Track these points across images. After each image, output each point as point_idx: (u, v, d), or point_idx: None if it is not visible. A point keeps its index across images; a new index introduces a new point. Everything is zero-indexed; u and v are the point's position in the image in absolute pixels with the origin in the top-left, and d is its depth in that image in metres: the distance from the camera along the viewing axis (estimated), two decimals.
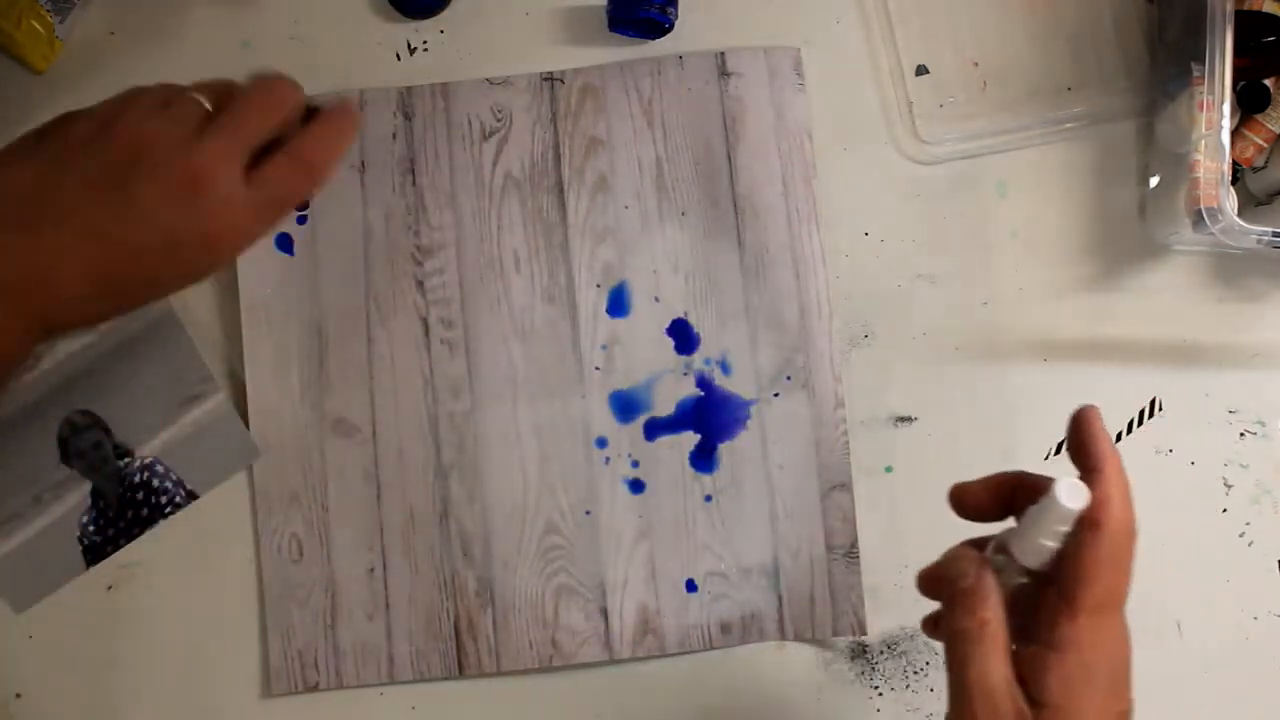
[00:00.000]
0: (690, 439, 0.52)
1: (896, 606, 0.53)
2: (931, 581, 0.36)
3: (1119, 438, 0.55)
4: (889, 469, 0.54)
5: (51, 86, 0.56)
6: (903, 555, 0.52)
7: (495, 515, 0.51)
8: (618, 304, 0.52)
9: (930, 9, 0.57)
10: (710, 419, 0.52)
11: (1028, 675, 0.32)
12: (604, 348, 0.52)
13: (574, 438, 0.51)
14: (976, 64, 0.57)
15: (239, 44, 0.56)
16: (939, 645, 0.53)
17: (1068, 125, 0.56)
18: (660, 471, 0.51)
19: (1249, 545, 0.54)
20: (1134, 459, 0.55)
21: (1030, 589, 0.34)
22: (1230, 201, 0.49)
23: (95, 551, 0.52)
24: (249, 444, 0.52)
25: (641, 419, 0.52)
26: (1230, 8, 0.49)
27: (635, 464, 0.51)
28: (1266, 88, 0.53)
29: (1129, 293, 0.56)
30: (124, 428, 0.52)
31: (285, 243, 0.52)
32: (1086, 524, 0.32)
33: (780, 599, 0.51)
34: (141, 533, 0.52)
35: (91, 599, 0.52)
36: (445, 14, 0.57)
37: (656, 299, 0.52)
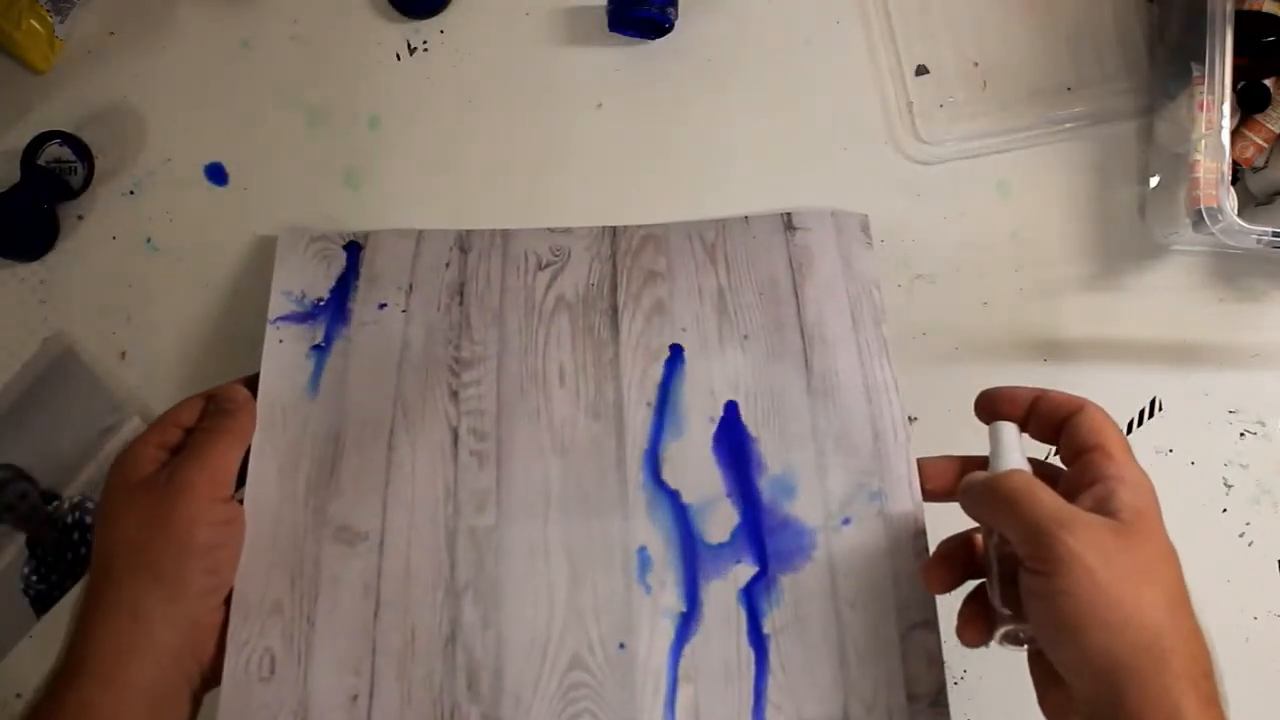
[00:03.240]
0: (746, 570, 0.45)
1: None
2: (967, 498, 0.40)
3: None
4: None
5: (51, 86, 0.56)
6: None
7: (512, 644, 0.44)
8: (671, 422, 0.48)
9: (930, 9, 0.57)
10: (770, 548, 0.45)
11: (1097, 505, 0.36)
12: (651, 467, 0.47)
13: (611, 561, 0.45)
14: (976, 64, 0.57)
15: (239, 44, 0.56)
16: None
17: (1068, 125, 0.56)
18: (710, 604, 0.44)
19: (1249, 545, 0.54)
20: None
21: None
22: (1230, 201, 0.49)
23: (43, 600, 0.51)
24: None
25: (691, 545, 0.45)
26: (1230, 8, 0.49)
27: (682, 595, 0.45)
28: (1266, 88, 0.53)
29: (1129, 293, 0.56)
30: (47, 472, 0.52)
31: (320, 353, 0.49)
32: (1076, 411, 0.40)
33: None
34: (85, 572, 0.51)
35: None
36: (445, 14, 0.57)
37: (712, 419, 0.48)
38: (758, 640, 0.44)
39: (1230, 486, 0.55)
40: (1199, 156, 0.50)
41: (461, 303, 0.50)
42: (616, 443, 0.47)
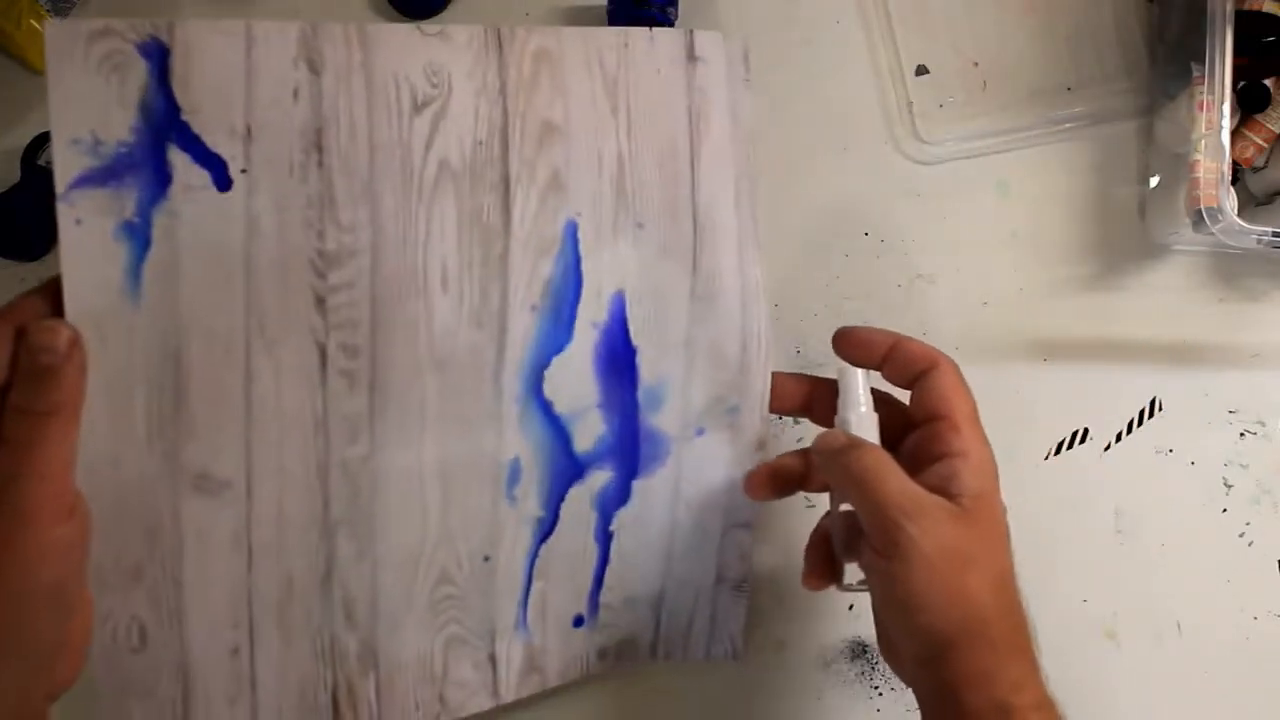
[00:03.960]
0: (603, 476, 0.46)
1: None
2: (820, 457, 0.41)
3: (1119, 438, 0.55)
4: None
5: None
6: None
7: (385, 571, 0.43)
8: (555, 330, 0.44)
9: (930, 9, 0.57)
10: (630, 457, 0.46)
11: (941, 484, 0.38)
12: (531, 379, 0.44)
13: (482, 480, 0.44)
14: (976, 64, 0.57)
15: None
16: None
17: (1068, 125, 0.56)
18: (567, 509, 0.46)
19: (1249, 545, 0.54)
20: (1134, 459, 0.55)
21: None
22: (1230, 201, 0.49)
23: None
24: None
25: (559, 455, 0.45)
26: (1230, 8, 0.49)
27: (543, 503, 0.45)
28: (1266, 88, 0.53)
29: (1129, 293, 0.56)
30: None
31: (136, 234, 0.37)
32: (930, 368, 0.41)
33: (658, 624, 0.49)
34: None
35: None
36: (445, 14, 0.57)
37: (595, 325, 0.44)
38: (603, 537, 0.47)
39: (1230, 486, 0.55)
40: (1199, 156, 0.50)
41: (321, 163, 0.39)
42: (496, 354, 0.43)
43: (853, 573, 0.42)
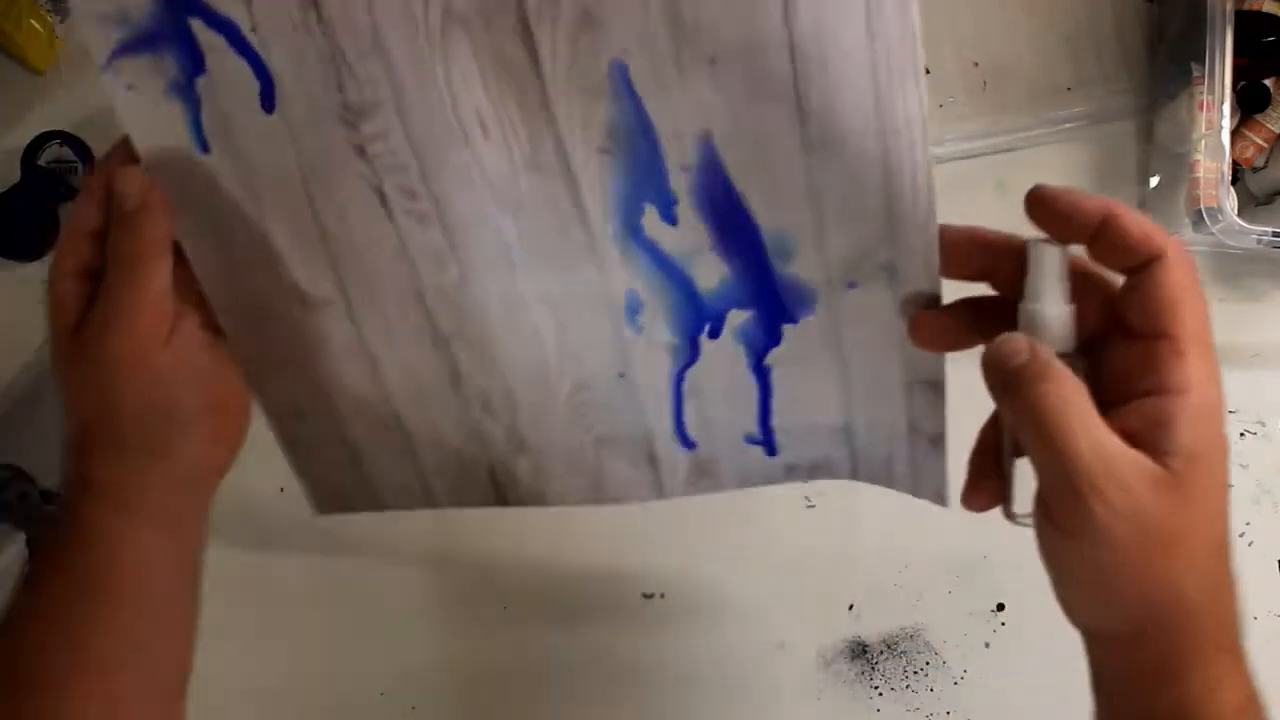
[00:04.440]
0: (741, 315, 0.40)
1: (896, 606, 0.53)
2: (991, 374, 0.31)
3: None
4: None
5: (51, 86, 0.56)
6: (904, 554, 0.52)
7: (516, 377, 0.42)
8: (636, 173, 0.38)
9: (930, 9, 0.57)
10: (769, 300, 0.40)
11: (1147, 433, 0.29)
12: (624, 222, 0.39)
13: (595, 308, 0.41)
14: (976, 64, 0.57)
15: None
16: (940, 645, 0.53)
17: (1068, 125, 0.56)
18: (705, 342, 0.41)
19: (1249, 545, 0.54)
20: None
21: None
22: (1230, 201, 0.49)
23: None
24: None
25: (681, 292, 0.40)
26: (1230, 8, 0.49)
27: (675, 331, 0.41)
28: (1266, 88, 0.53)
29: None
30: (46, 472, 0.52)
31: (185, 94, 0.38)
32: (1151, 257, 0.30)
33: (854, 452, 0.43)
34: None
35: None
36: None
37: (684, 168, 0.37)
38: (759, 368, 0.41)
39: (1230, 486, 0.55)
40: (1199, 156, 0.50)
41: (321, 18, 0.37)
42: (571, 200, 0.39)
43: (1023, 498, 0.33)
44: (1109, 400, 0.30)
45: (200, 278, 0.40)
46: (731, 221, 0.38)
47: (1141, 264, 0.30)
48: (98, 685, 0.35)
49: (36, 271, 0.54)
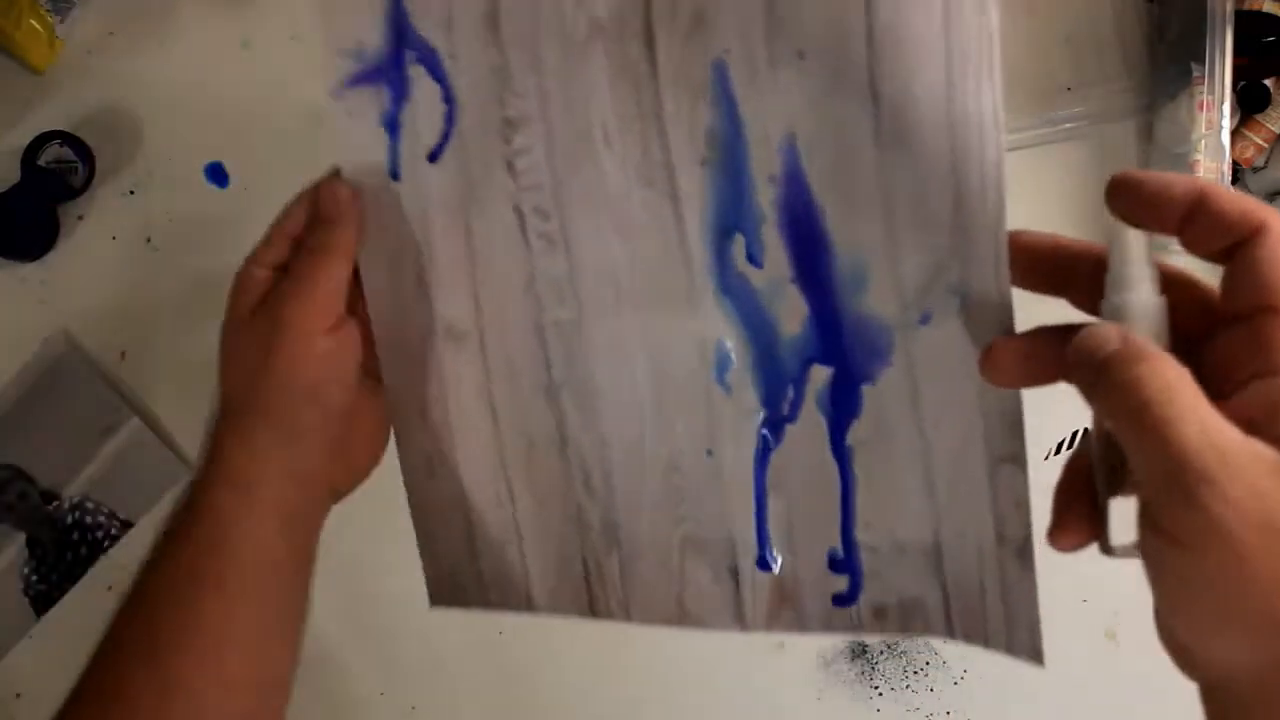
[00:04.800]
0: (822, 373, 0.40)
1: None
2: (1080, 366, 0.28)
3: None
4: None
5: (51, 86, 0.56)
6: None
7: (613, 446, 0.43)
8: (730, 188, 0.39)
9: None
10: (846, 348, 0.39)
11: (1263, 417, 0.25)
12: (718, 246, 0.40)
13: (689, 358, 0.41)
14: None
15: (239, 44, 0.56)
16: (940, 645, 0.53)
17: (1068, 125, 0.56)
18: (789, 407, 0.40)
19: None
20: None
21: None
22: None
23: (43, 600, 0.52)
24: (173, 462, 0.53)
25: (767, 339, 0.40)
26: (1230, 8, 0.49)
27: (761, 397, 0.41)
28: (1266, 88, 0.53)
29: None
30: (46, 472, 0.52)
31: (392, 124, 0.43)
32: (1255, 233, 0.27)
33: (945, 587, 0.40)
34: (84, 572, 0.52)
35: (92, 599, 0.52)
36: None
37: (772, 179, 0.38)
38: (841, 451, 0.40)
39: None
40: (1199, 156, 0.50)
41: (498, 38, 0.42)
42: (674, 216, 0.40)
43: (1123, 526, 0.29)
44: (1210, 396, 0.25)
45: (369, 304, 0.43)
46: (811, 241, 0.39)
47: (1238, 242, 0.27)
48: (212, 666, 0.37)
49: (36, 271, 0.54)
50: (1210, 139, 0.49)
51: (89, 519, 0.52)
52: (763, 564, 0.42)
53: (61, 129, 0.54)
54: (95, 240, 0.54)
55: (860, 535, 0.40)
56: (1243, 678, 0.26)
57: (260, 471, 0.39)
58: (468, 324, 0.43)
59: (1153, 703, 0.53)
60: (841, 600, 0.41)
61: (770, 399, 0.41)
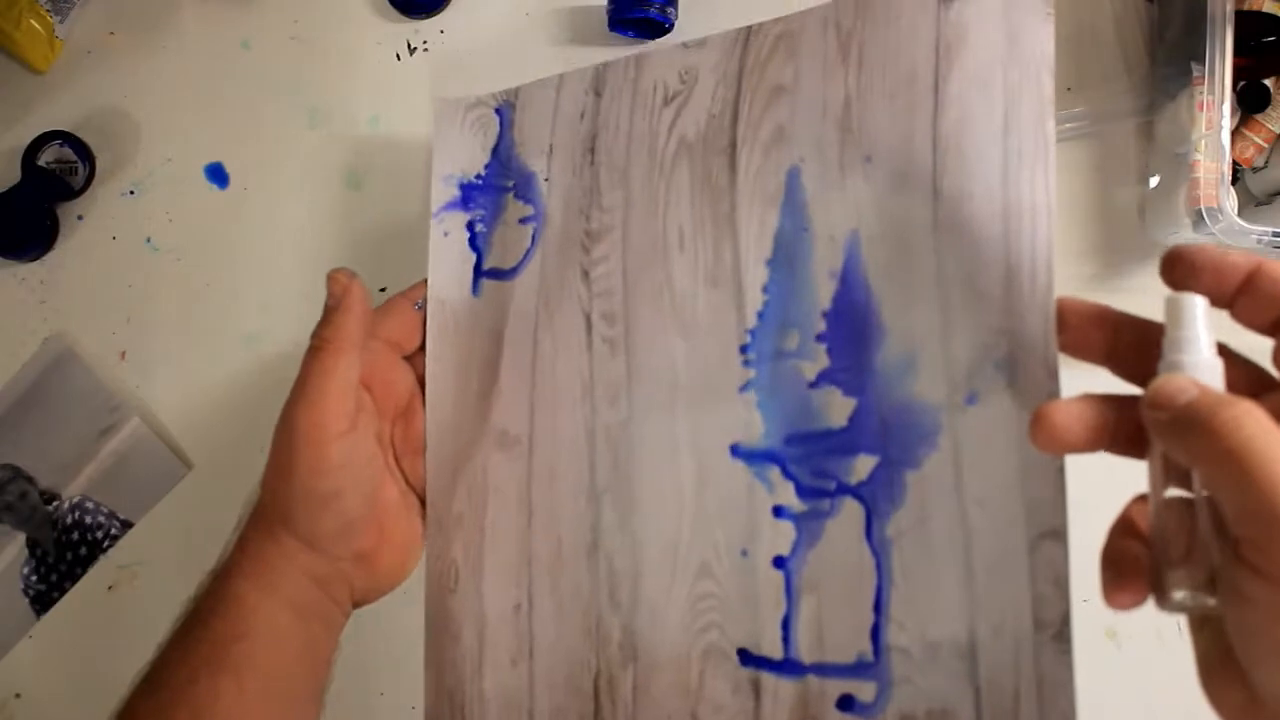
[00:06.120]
0: (866, 463, 0.40)
1: None
2: (1158, 414, 0.29)
3: None
4: None
5: (51, 86, 0.56)
6: None
7: (646, 549, 0.42)
8: (792, 284, 0.41)
9: None
10: (891, 436, 0.39)
11: None
12: (774, 340, 0.41)
13: (734, 460, 0.42)
14: None
15: (239, 44, 0.56)
16: None
17: (1068, 125, 0.56)
18: (829, 502, 0.40)
19: None
20: (1134, 459, 0.55)
21: None
22: (1230, 201, 0.49)
23: (43, 600, 0.52)
24: (173, 462, 0.52)
25: (808, 433, 0.41)
26: (1230, 8, 0.49)
27: (800, 491, 0.41)
28: (1266, 88, 0.53)
29: (1129, 293, 0.56)
30: (46, 472, 0.52)
31: (480, 244, 0.47)
32: None
33: (978, 692, 0.38)
34: (84, 573, 0.52)
35: (92, 599, 0.52)
36: (445, 14, 0.57)
37: (832, 274, 0.41)
38: (878, 544, 0.39)
39: None
40: (1199, 156, 0.50)
41: (593, 161, 0.46)
42: (735, 313, 0.42)
43: (1180, 582, 0.29)
44: None
45: (429, 414, 0.44)
46: (864, 333, 0.40)
47: None
48: None
49: (36, 271, 0.54)
50: (1210, 139, 0.49)
51: (89, 519, 0.52)
52: (788, 671, 0.40)
53: (61, 129, 0.54)
54: (95, 240, 0.54)
55: (891, 638, 0.39)
56: None
57: (283, 570, 0.40)
58: (520, 430, 0.44)
59: (1152, 702, 0.53)
60: (867, 710, 0.39)
61: (812, 494, 0.41)
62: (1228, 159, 0.49)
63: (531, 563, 0.44)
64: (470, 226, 0.47)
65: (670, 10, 0.55)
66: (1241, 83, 0.53)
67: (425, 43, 0.56)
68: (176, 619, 0.40)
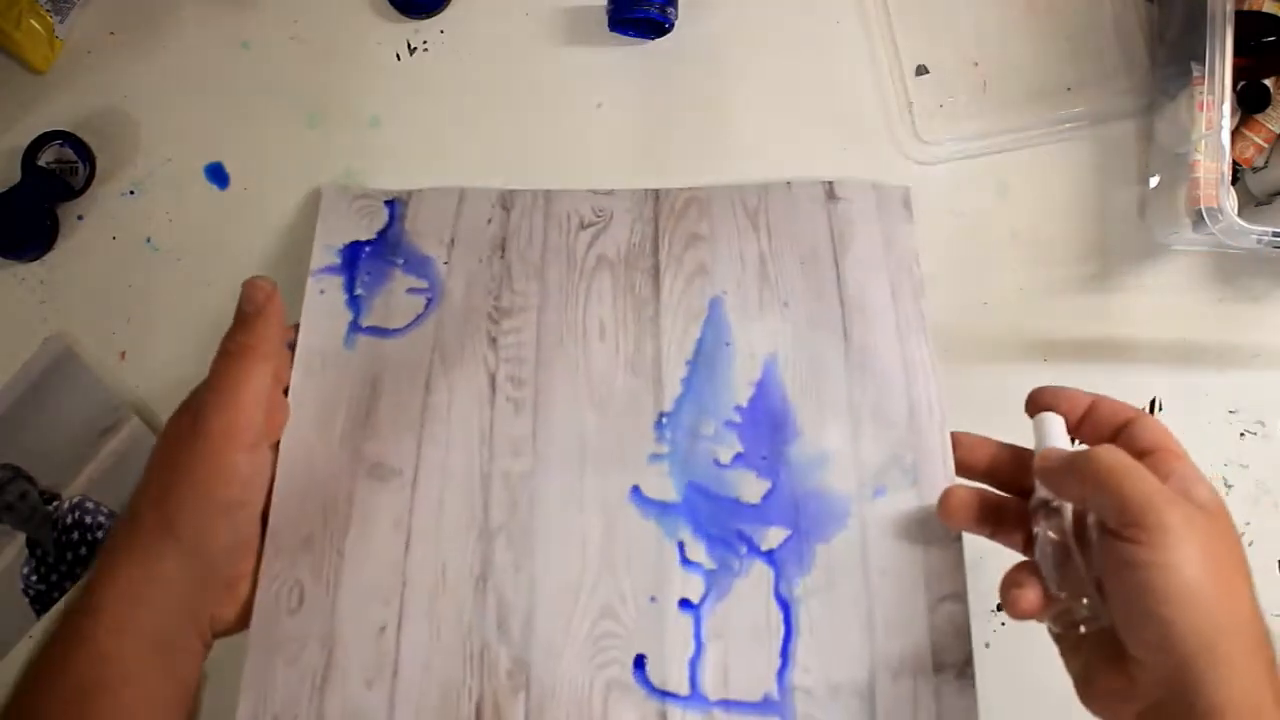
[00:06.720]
0: (778, 534, 0.45)
1: None
2: (1048, 466, 0.39)
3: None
4: None
5: (51, 86, 0.56)
6: None
7: (544, 589, 0.44)
8: (711, 385, 0.47)
9: (930, 9, 0.57)
10: (803, 515, 0.45)
11: (1181, 493, 0.36)
12: (690, 429, 0.46)
13: (645, 518, 0.45)
14: (977, 64, 0.57)
15: (239, 44, 0.56)
16: None
17: (1068, 125, 0.56)
18: (740, 564, 0.44)
19: (1249, 545, 0.54)
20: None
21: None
22: (1230, 201, 0.49)
23: (43, 600, 0.51)
24: None
25: (724, 506, 0.45)
26: (1230, 8, 0.49)
27: (711, 549, 0.45)
28: (1266, 88, 0.53)
29: (1129, 293, 0.56)
30: (46, 472, 0.52)
31: (358, 305, 0.49)
32: (1135, 417, 0.40)
33: None
34: (84, 573, 0.52)
35: None
36: (445, 14, 0.57)
37: (750, 382, 0.47)
38: (785, 602, 0.44)
39: (1230, 486, 0.55)
40: (1199, 156, 0.50)
41: (503, 256, 0.50)
42: (653, 400, 0.47)
43: (1069, 595, 0.37)
44: None
45: (283, 444, 0.45)
46: (782, 432, 0.46)
47: (1127, 421, 0.40)
48: None
49: (36, 271, 0.54)
50: (1210, 139, 0.49)
51: (89, 519, 0.52)
52: (693, 704, 0.42)
53: (61, 129, 0.54)
54: (95, 240, 0.54)
55: (796, 679, 0.43)
56: (1204, 645, 0.33)
57: (148, 599, 0.38)
58: (401, 463, 0.46)
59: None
60: None
61: (722, 552, 0.45)
62: (1228, 159, 0.49)
63: (406, 586, 0.44)
64: (349, 287, 0.49)
65: (670, 10, 0.55)
66: (1241, 83, 0.53)
67: (425, 43, 0.56)
68: (29, 659, 0.38)
